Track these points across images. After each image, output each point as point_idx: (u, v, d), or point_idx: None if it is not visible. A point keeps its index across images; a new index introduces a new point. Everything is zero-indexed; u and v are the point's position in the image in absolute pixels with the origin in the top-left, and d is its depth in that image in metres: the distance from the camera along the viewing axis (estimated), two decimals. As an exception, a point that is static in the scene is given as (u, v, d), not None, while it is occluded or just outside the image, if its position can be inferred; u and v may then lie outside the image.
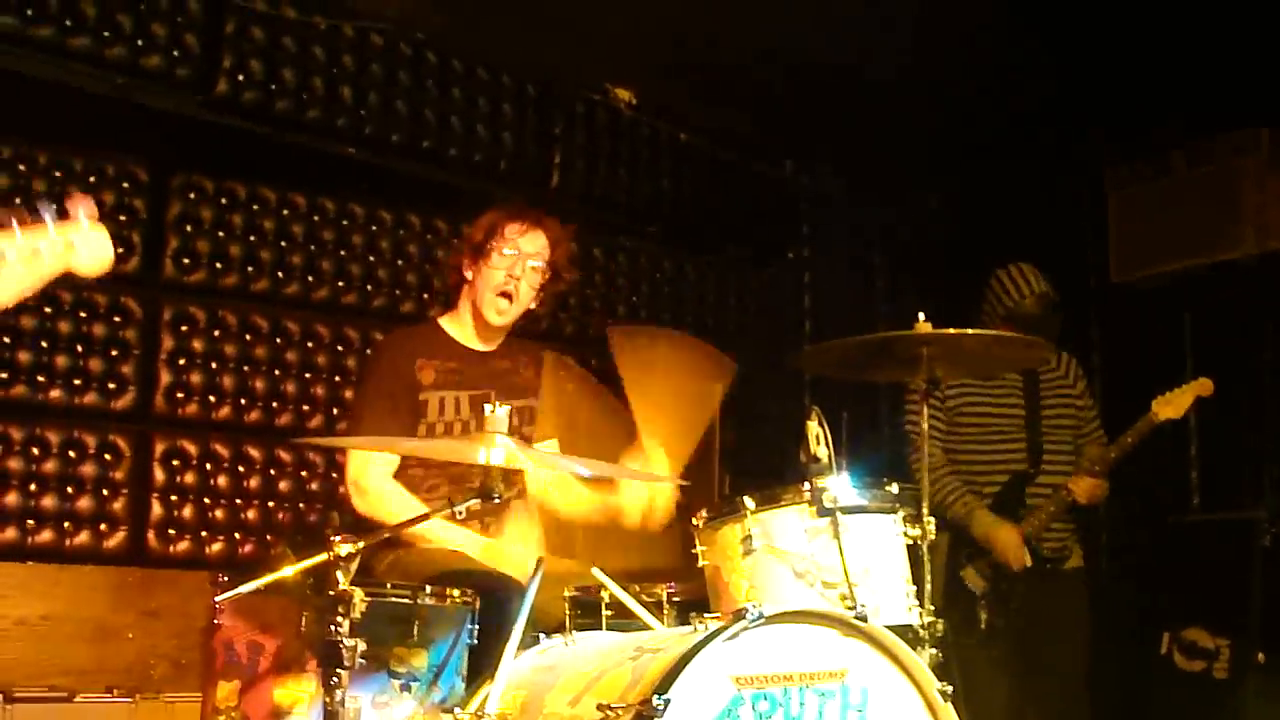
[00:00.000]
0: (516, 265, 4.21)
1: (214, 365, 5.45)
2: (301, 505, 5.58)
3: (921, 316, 3.84)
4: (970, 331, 3.76)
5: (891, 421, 7.01)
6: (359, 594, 2.87)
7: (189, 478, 5.36)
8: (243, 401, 5.51)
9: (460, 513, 3.06)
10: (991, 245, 6.93)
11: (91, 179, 5.18)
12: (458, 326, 4.32)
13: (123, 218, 5.26)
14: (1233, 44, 5.88)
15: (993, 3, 5.64)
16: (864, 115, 6.53)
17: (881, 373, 4.26)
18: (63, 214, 2.48)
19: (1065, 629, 5.34)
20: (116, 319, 5.24)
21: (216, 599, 3.27)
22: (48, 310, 5.09)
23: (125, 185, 5.27)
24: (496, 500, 2.99)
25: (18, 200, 4.88)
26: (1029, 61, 6.11)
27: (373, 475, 4.04)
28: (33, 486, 5.05)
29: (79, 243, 2.46)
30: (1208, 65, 6.01)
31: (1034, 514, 5.26)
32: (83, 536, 5.12)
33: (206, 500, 5.40)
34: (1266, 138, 6.25)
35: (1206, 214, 6.42)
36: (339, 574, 2.86)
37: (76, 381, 5.15)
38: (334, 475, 5.56)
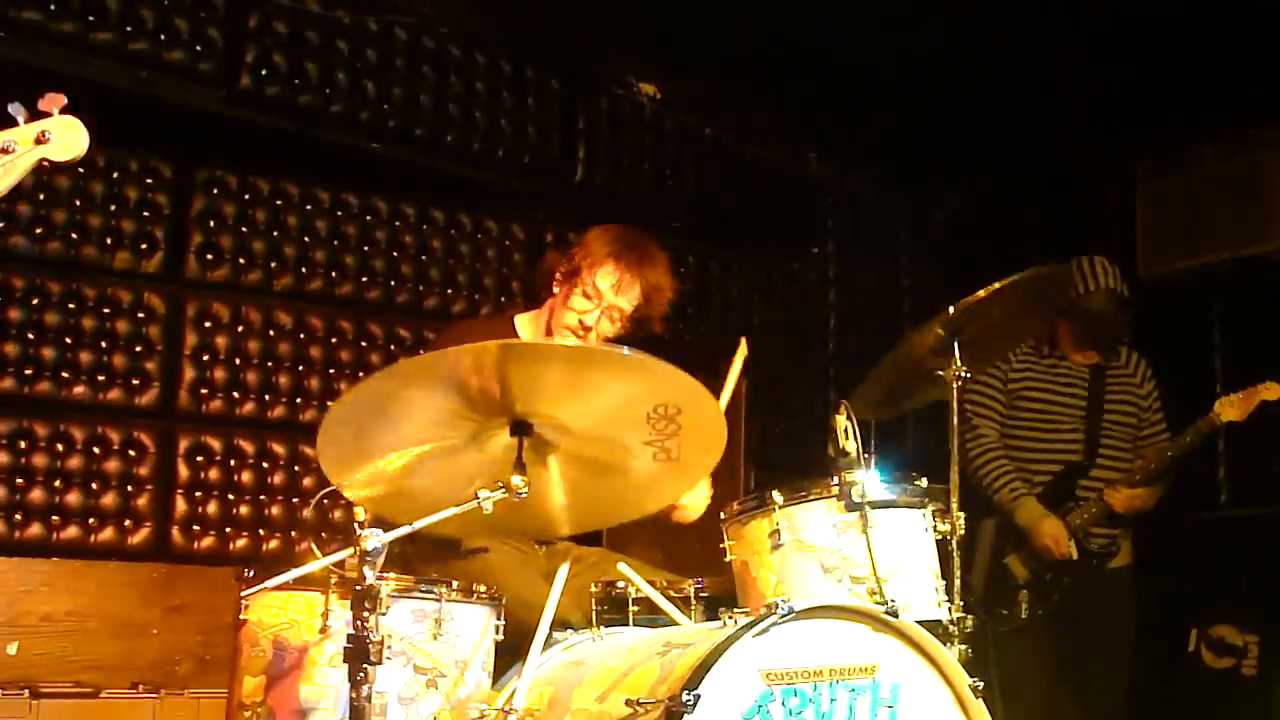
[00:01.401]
0: (597, 313, 4.13)
1: (237, 361, 5.45)
2: (326, 501, 5.57)
3: (951, 310, 3.80)
4: (979, 294, 3.73)
5: (918, 415, 6.99)
6: (386, 589, 2.85)
7: (213, 473, 5.36)
8: (266, 397, 5.51)
9: (486, 506, 3.03)
10: (1019, 240, 6.93)
11: (115, 174, 5.19)
12: (532, 327, 4.25)
13: (146, 213, 5.27)
14: (1262, 38, 5.84)
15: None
16: (890, 111, 6.51)
17: (918, 396, 4.22)
18: (36, 113, 2.49)
19: (1109, 625, 5.33)
20: (140, 315, 5.25)
21: (243, 594, 3.25)
22: (71, 306, 5.10)
23: (149, 180, 5.27)
24: (523, 495, 2.95)
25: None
26: (1060, 56, 6.07)
27: None
28: (58, 483, 5.05)
29: (52, 133, 2.46)
30: (1237, 59, 5.98)
31: (1083, 508, 5.25)
32: (108, 533, 5.13)
33: (230, 496, 5.40)
34: (1294, 132, 6.22)
35: (1236, 208, 6.40)
36: (365, 569, 2.84)
37: (100, 378, 5.15)
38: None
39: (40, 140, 2.46)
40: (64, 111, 2.49)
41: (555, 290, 4.21)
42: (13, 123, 2.45)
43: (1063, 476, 5.32)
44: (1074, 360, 5.40)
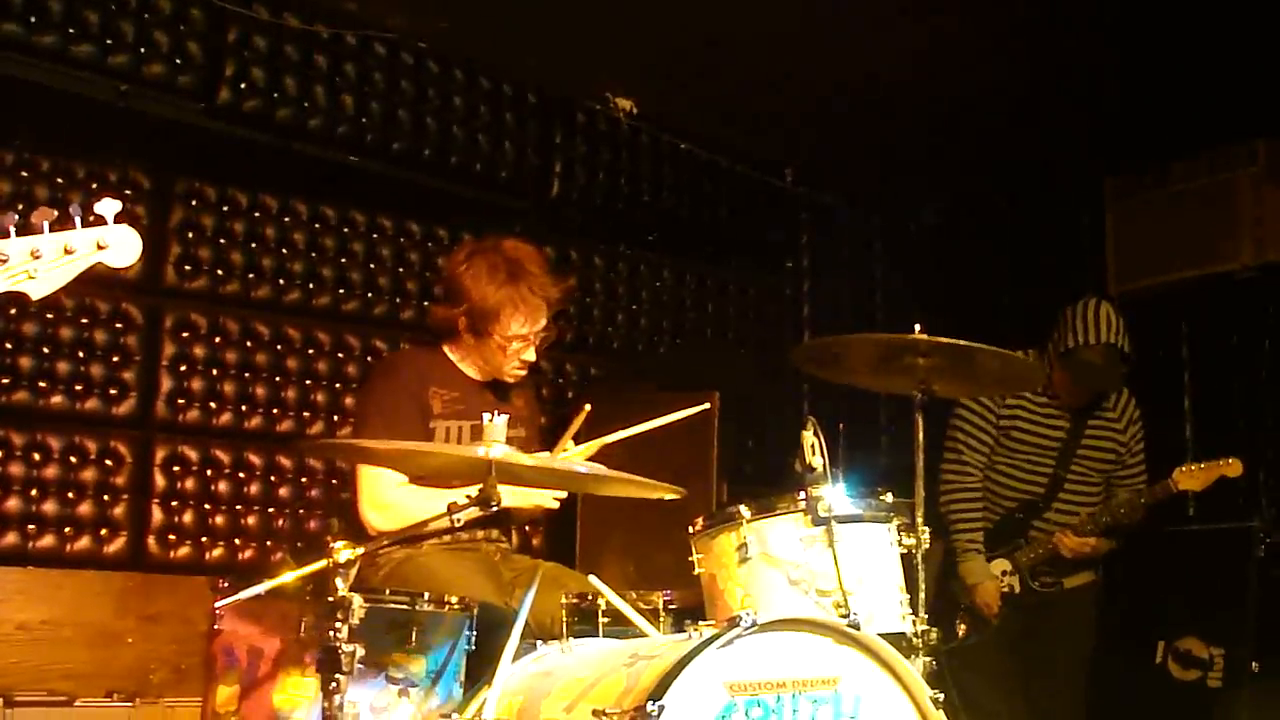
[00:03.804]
0: (526, 345, 4.17)
1: (215, 371, 5.48)
2: (301, 511, 5.61)
3: (918, 327, 3.84)
4: (960, 342, 3.76)
5: (891, 432, 7.06)
6: (358, 600, 2.89)
7: (189, 483, 5.39)
8: (244, 408, 5.54)
9: (458, 520, 3.08)
10: (992, 257, 6.99)
11: (94, 185, 5.20)
12: (459, 355, 4.26)
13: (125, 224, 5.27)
14: (1231, 57, 5.91)
15: (994, 17, 5.65)
16: (864, 126, 6.55)
17: (881, 381, 4.24)
18: (89, 215, 2.58)
19: (1066, 642, 5.38)
20: (118, 325, 5.27)
21: (217, 604, 3.29)
22: (49, 316, 5.11)
23: (127, 192, 5.28)
24: (495, 509, 3.00)
25: (20, 206, 4.91)
26: (1031, 74, 6.13)
27: (388, 489, 3.98)
28: (34, 492, 5.07)
29: (110, 240, 2.56)
30: (1207, 78, 6.03)
31: (1031, 547, 5.28)
32: (83, 541, 5.14)
33: (207, 506, 5.42)
34: (1263, 150, 6.27)
35: (1204, 225, 6.44)
36: (338, 580, 2.88)
37: (78, 387, 5.18)
38: (334, 481, 5.58)
39: (101, 247, 2.56)
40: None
41: (464, 337, 4.21)
42: (69, 218, 2.54)
43: (1016, 513, 5.35)
44: (1065, 403, 5.33)
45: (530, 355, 4.20)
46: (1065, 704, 5.34)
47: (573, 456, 3.87)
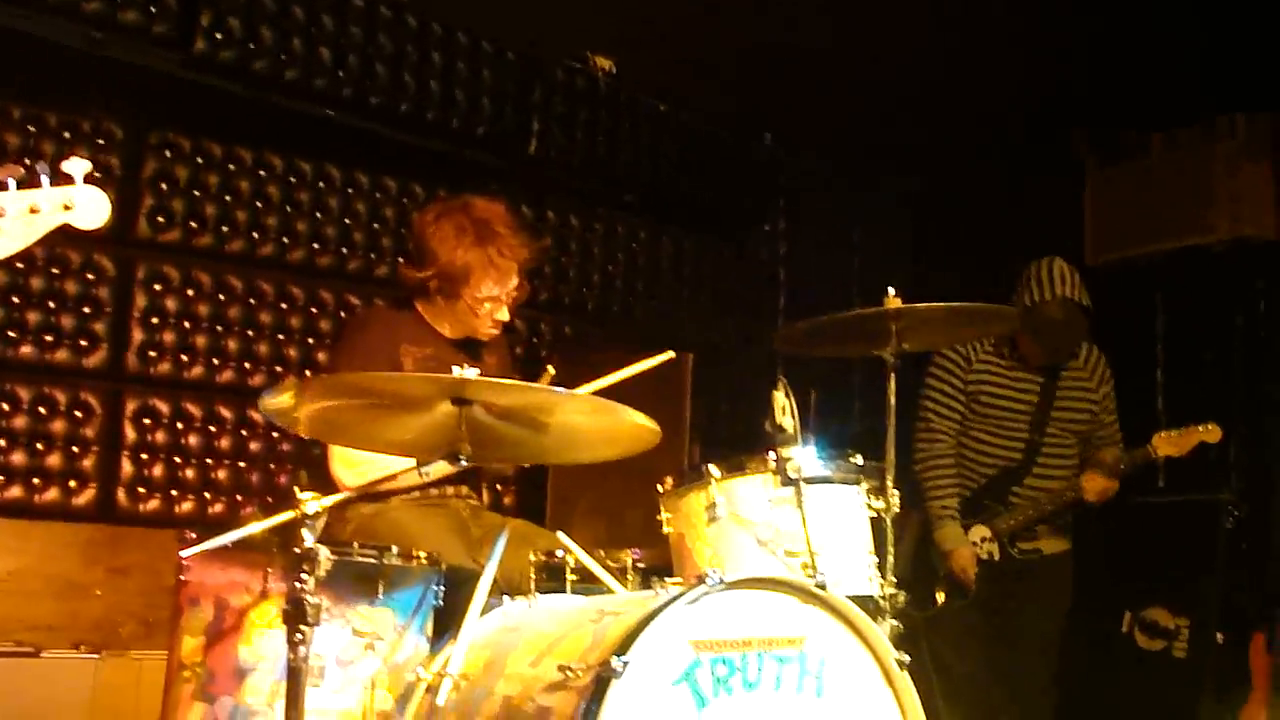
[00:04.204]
0: (500, 305, 4.15)
1: (187, 325, 5.45)
2: (272, 466, 5.59)
3: (891, 291, 3.84)
4: (936, 305, 3.76)
5: (864, 395, 7.07)
6: (325, 552, 2.88)
7: (160, 436, 5.37)
8: (215, 361, 5.52)
9: (426, 474, 3.08)
10: (969, 226, 7.00)
11: (66, 134, 5.16)
12: (432, 313, 4.23)
13: (97, 175, 5.15)
14: (1211, 30, 5.91)
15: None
16: (844, 94, 6.54)
17: (853, 347, 4.25)
18: (58, 174, 2.55)
19: (1040, 609, 5.37)
20: (89, 276, 5.24)
21: (182, 554, 3.28)
22: (20, 266, 5.06)
23: (100, 142, 5.25)
24: (463, 462, 3.00)
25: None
26: (1012, 46, 6.12)
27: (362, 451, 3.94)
28: (2, 442, 5.05)
29: (77, 200, 2.52)
30: (1187, 51, 6.04)
31: (1012, 513, 5.28)
32: (52, 493, 5.13)
33: (177, 459, 5.40)
34: (1242, 124, 6.29)
35: (1182, 199, 6.47)
36: (305, 532, 2.88)
37: (48, 338, 5.15)
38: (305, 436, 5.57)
39: (67, 208, 2.52)
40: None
41: (435, 297, 4.17)
42: (36, 177, 2.50)
43: (996, 480, 5.34)
44: (1032, 364, 5.34)
45: (504, 314, 4.18)
46: (1038, 671, 5.36)
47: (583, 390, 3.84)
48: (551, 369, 3.99)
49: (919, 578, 5.22)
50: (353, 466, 3.93)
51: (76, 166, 2.55)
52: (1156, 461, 5.27)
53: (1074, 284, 5.18)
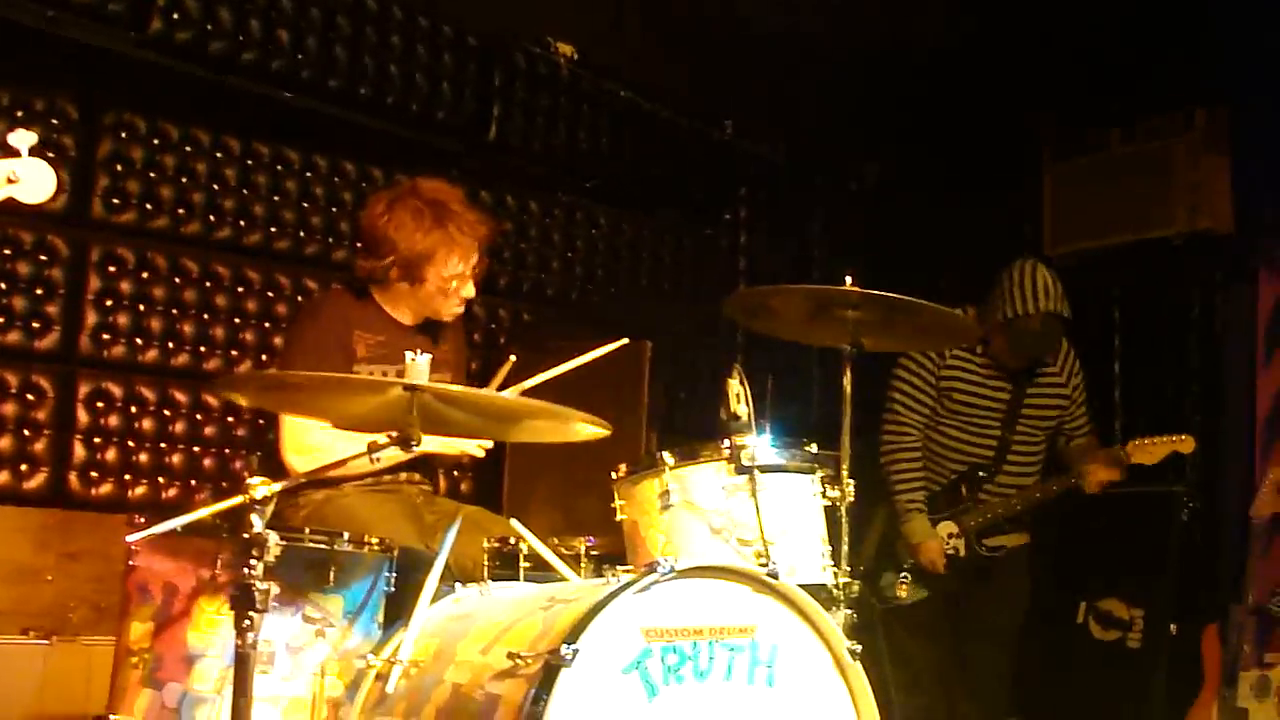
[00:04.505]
0: (462, 282, 4.13)
1: (141, 307, 5.39)
2: (227, 451, 5.55)
3: (849, 279, 3.82)
4: (891, 295, 3.74)
5: (823, 385, 7.06)
6: (274, 537, 2.85)
7: (113, 420, 5.31)
8: (170, 345, 5.46)
9: (378, 459, 3.05)
10: (930, 217, 7.01)
11: (19, 113, 5.08)
12: (388, 300, 4.20)
13: (51, 155, 5.15)
14: (1172, 24, 5.94)
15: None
16: (806, 82, 6.54)
17: (811, 334, 4.21)
18: (4, 147, 2.51)
19: (1001, 603, 5.40)
20: (42, 257, 5.17)
21: (130, 539, 3.25)
22: (-29, 247, 5.02)
23: (54, 121, 5.17)
24: (415, 448, 2.98)
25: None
26: (972, 35, 6.13)
27: (310, 433, 3.91)
28: (-47, 425, 4.99)
29: (22, 174, 2.49)
30: (1147, 44, 6.06)
31: (980, 510, 5.28)
32: (3, 476, 5.07)
33: (130, 443, 5.35)
34: (1201, 118, 6.31)
35: (1140, 191, 6.49)
36: (254, 517, 2.85)
37: (-1, 319, 5.10)
38: (260, 421, 5.52)
39: (11, 180, 2.48)
40: None
41: (396, 285, 4.15)
42: None
43: (965, 477, 5.34)
44: (1005, 366, 5.33)
45: (470, 290, 4.16)
46: (998, 663, 5.38)
47: (525, 386, 3.85)
48: (513, 358, 3.98)
49: (884, 569, 5.24)
50: (304, 453, 3.90)
51: (22, 139, 2.52)
52: (1126, 466, 5.25)
53: (1057, 296, 5.15)
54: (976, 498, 5.32)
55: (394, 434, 2.97)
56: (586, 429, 3.16)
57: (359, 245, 4.27)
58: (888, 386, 5.40)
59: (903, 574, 5.15)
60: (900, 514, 5.29)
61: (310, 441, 3.90)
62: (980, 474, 5.34)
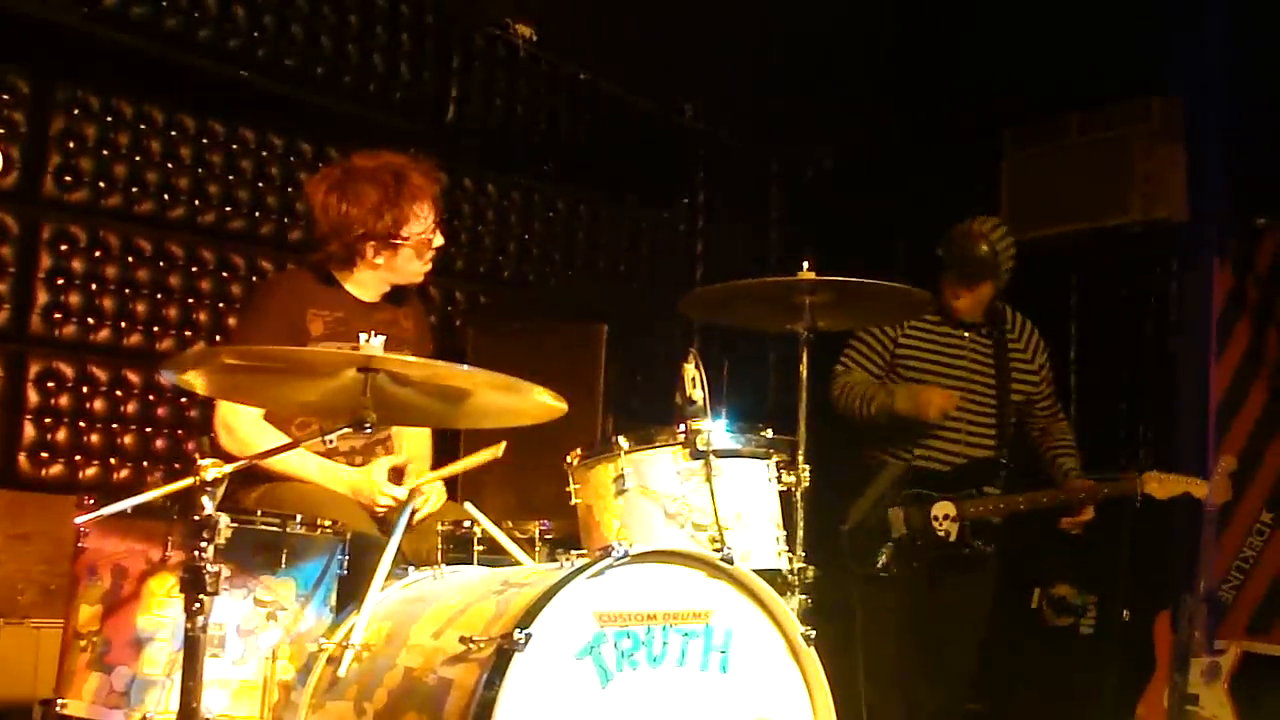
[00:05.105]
0: (434, 232, 4.16)
1: (94, 286, 5.32)
2: (180, 431, 5.51)
3: (806, 265, 3.83)
4: (849, 279, 3.75)
5: (779, 369, 7.07)
6: (224, 519, 2.83)
7: (64, 400, 5.25)
8: (123, 324, 5.39)
9: (331, 441, 3.03)
10: (887, 203, 7.03)
11: (-30, 89, 5.03)
12: (349, 276, 4.19)
13: (2, 131, 5.11)
14: (1128, 13, 5.96)
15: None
16: (764, 67, 6.54)
17: (768, 320, 4.20)
18: None
19: (970, 592, 5.38)
20: (-7, 235, 5.12)
21: (79, 520, 3.21)
22: (-81, 224, 4.95)
23: (5, 97, 5.10)
24: (368, 429, 2.95)
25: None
26: (931, 21, 6.14)
27: (243, 416, 3.95)
28: (-101, 404, 4.93)
29: None
30: (1104, 32, 6.09)
31: (983, 500, 5.22)
32: (-49, 457, 5.02)
33: (81, 424, 5.29)
34: (1158, 107, 6.36)
35: (1097, 179, 6.52)
36: (205, 499, 2.83)
37: (-51, 298, 5.03)
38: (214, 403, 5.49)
39: None
40: None
41: (378, 261, 4.15)
42: None
43: (976, 465, 5.29)
44: (964, 320, 5.30)
45: (439, 239, 4.18)
46: (966, 650, 5.39)
47: (424, 482, 3.83)
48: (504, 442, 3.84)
49: (867, 534, 5.19)
50: (232, 433, 3.92)
51: None
52: (1136, 497, 5.24)
53: (987, 220, 5.29)
54: (982, 488, 5.27)
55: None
56: (545, 399, 3.15)
57: (316, 236, 4.23)
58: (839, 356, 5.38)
59: (888, 545, 5.15)
60: (887, 408, 5.17)
61: (243, 426, 3.94)
62: (993, 467, 5.31)
